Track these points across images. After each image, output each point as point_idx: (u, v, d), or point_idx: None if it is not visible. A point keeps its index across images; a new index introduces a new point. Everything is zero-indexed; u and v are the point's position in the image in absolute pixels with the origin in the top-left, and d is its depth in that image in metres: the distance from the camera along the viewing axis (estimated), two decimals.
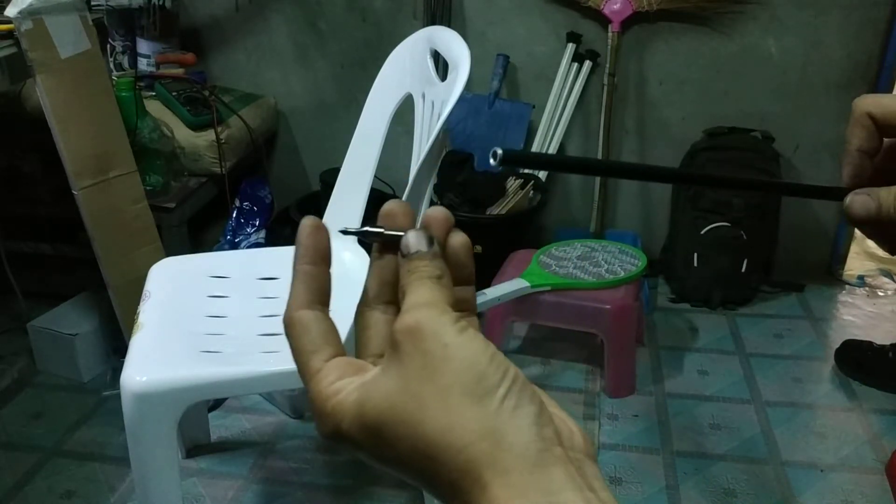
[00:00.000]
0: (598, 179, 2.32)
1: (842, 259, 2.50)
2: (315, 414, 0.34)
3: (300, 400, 1.81)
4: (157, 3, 2.13)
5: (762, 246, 2.32)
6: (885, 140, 0.47)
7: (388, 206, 0.39)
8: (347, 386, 0.33)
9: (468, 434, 0.30)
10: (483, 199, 2.18)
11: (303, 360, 0.35)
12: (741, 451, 1.75)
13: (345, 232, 0.39)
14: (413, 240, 0.36)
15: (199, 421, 1.73)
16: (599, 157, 2.29)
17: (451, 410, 0.31)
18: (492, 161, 0.38)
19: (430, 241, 0.37)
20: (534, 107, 2.31)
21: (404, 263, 0.36)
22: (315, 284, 0.37)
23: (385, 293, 0.38)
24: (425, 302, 0.34)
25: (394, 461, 0.32)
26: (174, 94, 2.07)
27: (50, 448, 1.71)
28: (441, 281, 0.35)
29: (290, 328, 0.36)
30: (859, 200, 0.46)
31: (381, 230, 0.38)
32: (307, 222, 0.38)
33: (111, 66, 2.20)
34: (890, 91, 2.21)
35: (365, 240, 0.38)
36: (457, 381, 0.31)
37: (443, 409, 0.31)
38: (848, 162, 0.47)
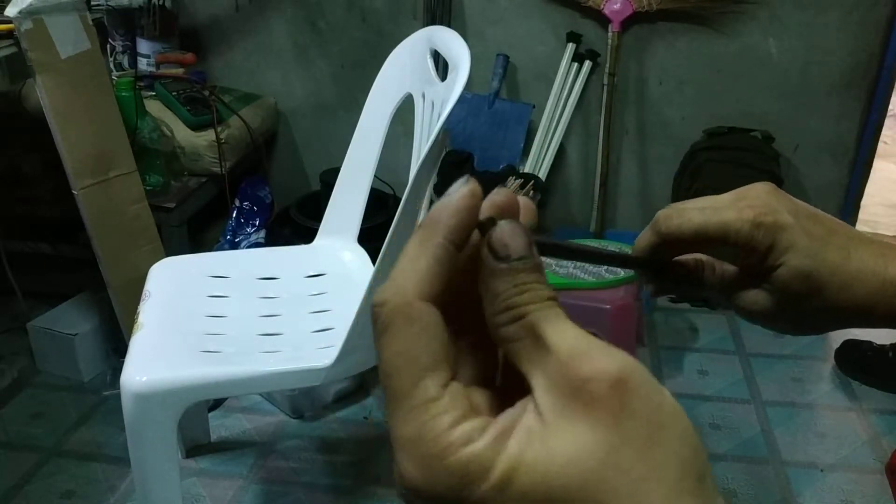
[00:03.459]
0: (598, 179, 2.32)
1: None
2: (414, 459, 0.24)
3: (300, 400, 1.80)
4: (157, 3, 2.13)
5: None
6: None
7: (496, 197, 0.29)
8: (479, 435, 0.24)
9: None
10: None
11: (409, 376, 0.25)
12: (741, 450, 1.75)
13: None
14: (513, 238, 0.27)
15: (199, 421, 1.73)
16: (599, 156, 2.29)
17: (675, 499, 0.24)
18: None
19: (529, 241, 0.27)
20: (534, 107, 2.31)
21: (503, 272, 0.27)
22: (446, 271, 0.27)
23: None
24: (580, 337, 0.26)
25: None
26: (174, 93, 2.07)
27: (50, 448, 1.71)
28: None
29: (400, 323, 0.25)
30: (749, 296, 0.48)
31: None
32: (468, 189, 0.27)
33: (111, 66, 2.20)
34: (890, 91, 2.21)
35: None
36: (674, 457, 0.25)
37: (666, 497, 0.24)
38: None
